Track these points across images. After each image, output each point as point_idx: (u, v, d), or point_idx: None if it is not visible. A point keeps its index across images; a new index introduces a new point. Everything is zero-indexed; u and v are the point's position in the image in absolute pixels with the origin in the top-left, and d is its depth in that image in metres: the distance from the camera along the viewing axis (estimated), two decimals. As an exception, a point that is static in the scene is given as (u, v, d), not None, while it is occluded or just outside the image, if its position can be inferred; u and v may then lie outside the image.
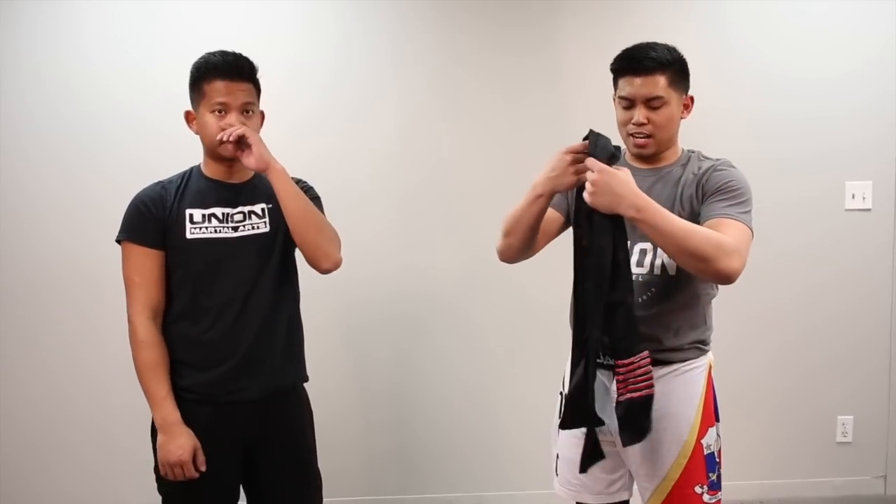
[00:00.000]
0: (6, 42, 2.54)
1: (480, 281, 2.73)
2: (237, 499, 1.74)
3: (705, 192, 1.54)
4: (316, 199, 1.81)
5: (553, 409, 1.80)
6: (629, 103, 1.56)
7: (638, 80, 1.53)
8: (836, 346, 2.84)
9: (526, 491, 2.75)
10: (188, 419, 1.63)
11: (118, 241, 1.67)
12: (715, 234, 1.41)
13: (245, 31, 2.56)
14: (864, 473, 2.90)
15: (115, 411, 2.64)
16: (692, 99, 1.62)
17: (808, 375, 2.85)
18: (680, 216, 1.50)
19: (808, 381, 2.85)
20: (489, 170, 2.71)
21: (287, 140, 2.52)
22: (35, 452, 2.66)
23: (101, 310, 2.60)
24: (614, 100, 1.63)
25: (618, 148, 1.47)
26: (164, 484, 1.69)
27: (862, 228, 2.80)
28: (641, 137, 1.56)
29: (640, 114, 1.54)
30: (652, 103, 1.53)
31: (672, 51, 1.57)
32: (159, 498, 1.72)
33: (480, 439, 2.78)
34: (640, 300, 1.57)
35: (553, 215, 1.68)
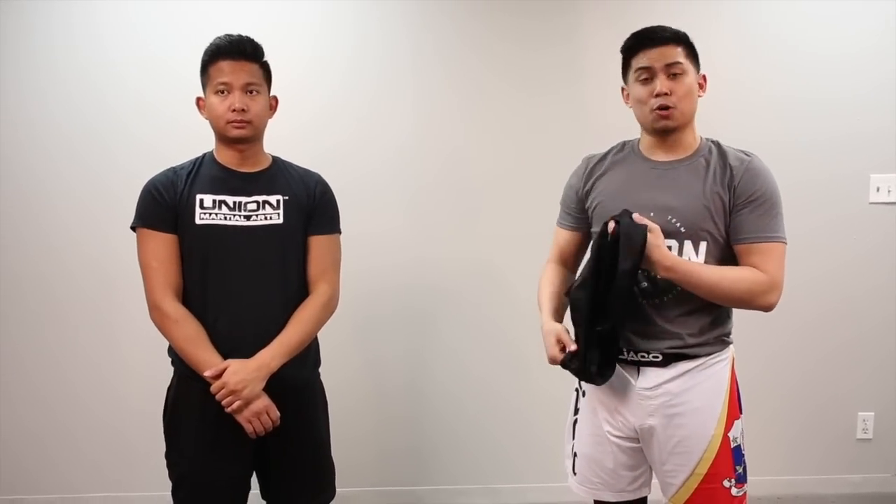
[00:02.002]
0: (22, 32, 2.54)
1: (494, 274, 2.71)
2: (248, 488, 1.74)
3: (737, 198, 1.52)
4: (331, 201, 1.81)
5: (568, 406, 1.77)
6: (649, 74, 1.52)
7: (655, 51, 1.51)
8: (857, 341, 2.79)
9: (538, 484, 2.74)
10: (200, 407, 1.64)
11: (133, 228, 1.67)
12: (745, 278, 1.49)
13: (263, 21, 2.54)
14: (885, 471, 2.86)
15: (122, 401, 2.65)
16: (705, 78, 1.59)
17: (828, 371, 2.81)
18: (709, 210, 1.52)
19: (829, 376, 2.81)
20: (506, 163, 2.68)
21: (304, 131, 2.55)
22: (40, 443, 2.67)
23: (112, 302, 2.61)
24: (625, 92, 1.62)
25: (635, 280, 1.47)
26: (175, 469, 1.70)
27: (886, 222, 2.75)
28: (665, 109, 1.51)
29: (662, 82, 1.50)
30: (673, 69, 1.51)
31: (681, 31, 1.56)
32: (162, 486, 1.72)
33: (493, 431, 2.77)
34: (665, 299, 1.55)
35: (574, 238, 1.74)
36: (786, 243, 1.53)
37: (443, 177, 2.69)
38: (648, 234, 1.45)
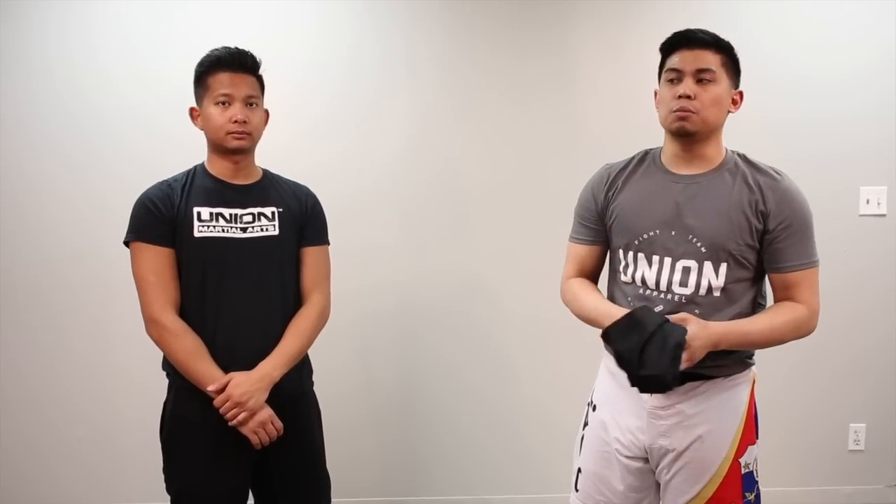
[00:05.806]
0: (16, 40, 2.55)
1: (492, 284, 2.72)
2: (246, 500, 1.74)
3: (769, 223, 1.47)
4: (321, 213, 1.82)
5: (578, 420, 1.74)
6: (677, 75, 1.47)
7: (690, 54, 1.46)
8: (848, 352, 2.81)
9: (530, 494, 2.74)
10: (200, 420, 1.64)
11: (126, 243, 1.66)
12: (790, 317, 1.49)
13: (257, 32, 2.56)
14: (877, 482, 2.87)
15: (119, 411, 2.64)
16: (741, 95, 1.53)
17: (820, 382, 2.82)
18: (732, 230, 1.46)
19: (820, 387, 2.82)
20: (501, 172, 2.70)
21: (300, 141, 2.56)
22: (38, 453, 2.66)
23: (107, 309, 2.60)
24: (657, 95, 1.54)
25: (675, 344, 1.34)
26: (175, 483, 1.70)
27: (876, 234, 2.77)
28: (685, 111, 1.45)
29: (687, 85, 1.44)
30: (702, 75, 1.45)
31: (724, 40, 1.51)
32: (162, 498, 1.72)
33: (486, 443, 2.77)
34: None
35: (594, 252, 1.65)
36: (818, 261, 1.52)
37: (439, 185, 2.70)
38: (688, 339, 1.35)
